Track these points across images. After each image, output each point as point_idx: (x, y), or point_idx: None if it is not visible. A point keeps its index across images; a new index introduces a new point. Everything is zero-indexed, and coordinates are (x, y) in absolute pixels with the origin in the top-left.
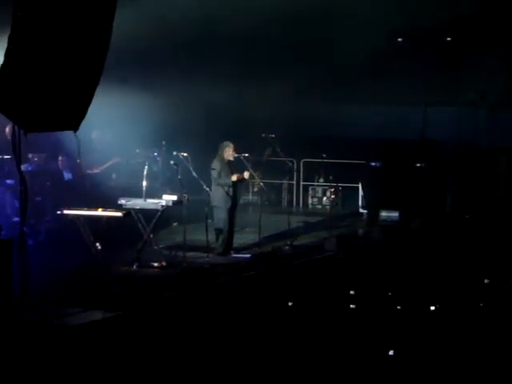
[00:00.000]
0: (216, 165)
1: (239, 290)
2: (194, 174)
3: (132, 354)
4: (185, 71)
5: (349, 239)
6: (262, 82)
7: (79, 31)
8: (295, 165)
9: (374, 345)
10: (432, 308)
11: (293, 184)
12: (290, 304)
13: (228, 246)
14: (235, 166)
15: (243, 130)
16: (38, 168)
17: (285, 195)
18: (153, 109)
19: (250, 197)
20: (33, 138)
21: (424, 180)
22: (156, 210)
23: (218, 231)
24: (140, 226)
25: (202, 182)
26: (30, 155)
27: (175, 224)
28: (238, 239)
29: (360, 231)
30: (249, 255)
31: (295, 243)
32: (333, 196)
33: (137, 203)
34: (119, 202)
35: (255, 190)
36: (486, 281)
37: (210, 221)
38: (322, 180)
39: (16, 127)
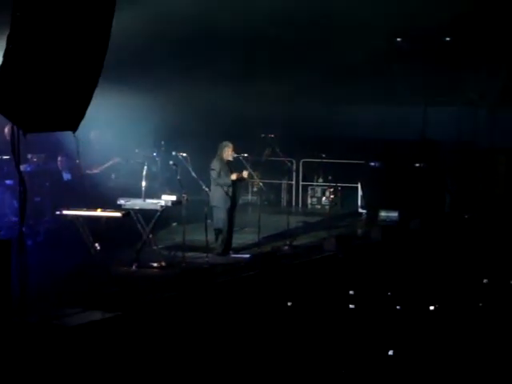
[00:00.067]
0: (215, 165)
1: (238, 290)
2: (193, 174)
3: (131, 354)
4: (184, 71)
5: (348, 239)
6: (261, 82)
7: (78, 31)
8: (294, 165)
9: (373, 345)
10: (431, 308)
11: (292, 184)
12: (289, 304)
13: (227, 246)
14: (234, 166)
15: (242, 130)
16: (37, 168)
17: (284, 195)
18: (152, 109)
19: (250, 197)
20: (32, 138)
21: (423, 180)
22: (155, 211)
23: (218, 231)
24: (139, 226)
25: (201, 182)
26: (29, 155)
27: (174, 224)
28: (238, 239)
29: (359, 231)
30: (248, 255)
31: (294, 243)
32: (332, 196)
33: (136, 203)
34: (118, 203)
35: (254, 190)
36: (484, 281)
37: (209, 221)
38: (321, 180)
39: (15, 127)
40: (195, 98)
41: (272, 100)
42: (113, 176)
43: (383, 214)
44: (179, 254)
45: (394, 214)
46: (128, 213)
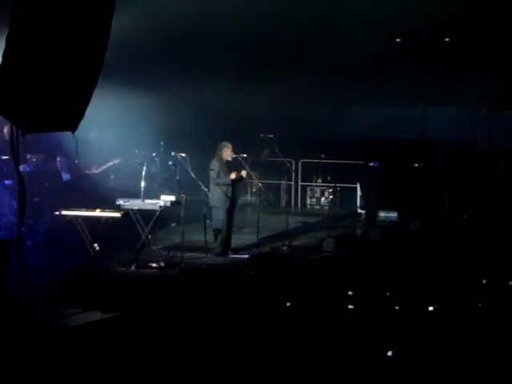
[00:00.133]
0: (214, 165)
1: (237, 290)
2: (193, 174)
3: (130, 354)
4: (184, 71)
5: (347, 239)
6: (260, 83)
7: (77, 31)
8: (293, 165)
9: (372, 345)
10: (430, 308)
11: (291, 184)
12: (288, 304)
13: (226, 246)
14: (233, 167)
15: (241, 130)
16: (36, 169)
17: (283, 196)
18: (151, 109)
19: (249, 197)
20: (31, 138)
21: (422, 180)
22: (154, 211)
23: (217, 231)
24: (138, 226)
25: (200, 182)
26: (29, 156)
27: (173, 224)
28: (237, 240)
29: (358, 231)
30: (247, 255)
31: (293, 243)
32: (331, 196)
33: (135, 204)
34: (117, 203)
35: (253, 190)
36: (484, 281)
37: (208, 221)
38: (320, 180)
39: (14, 128)
40: (194, 99)
41: (271, 100)
42: (112, 176)
43: (382, 214)
44: (178, 254)
45: (393, 215)
46: (127, 213)
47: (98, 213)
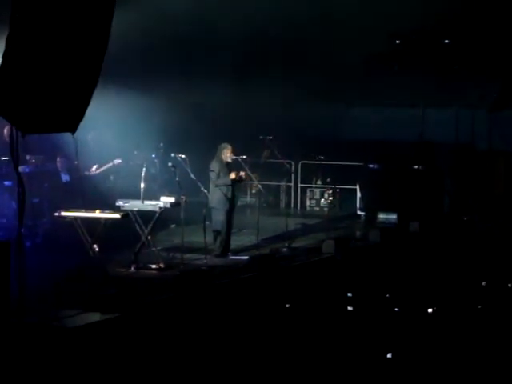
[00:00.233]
0: (214, 166)
1: (237, 291)
2: (192, 175)
3: (130, 355)
4: (183, 72)
5: (346, 241)
6: (260, 84)
7: (77, 33)
8: (293, 167)
9: (371, 347)
10: (430, 310)
11: (291, 186)
12: (287, 306)
13: (226, 247)
14: (233, 168)
15: (241, 131)
16: (35, 170)
17: (283, 197)
18: (151, 110)
19: (248, 199)
20: (30, 139)
21: (422, 182)
22: (154, 212)
23: (216, 233)
24: (138, 227)
25: (199, 183)
26: (28, 157)
27: (173, 226)
28: (236, 241)
29: (358, 233)
30: (247, 257)
31: (293, 245)
32: (330, 198)
33: (135, 205)
34: (117, 204)
35: (253, 191)
36: (483, 283)
37: (207, 222)
38: (319, 182)
39: (14, 129)
40: (194, 100)
41: (271, 101)
42: (111, 177)
43: (382, 216)
44: (178, 255)
45: (393, 216)
46: (127, 214)
47: (97, 214)
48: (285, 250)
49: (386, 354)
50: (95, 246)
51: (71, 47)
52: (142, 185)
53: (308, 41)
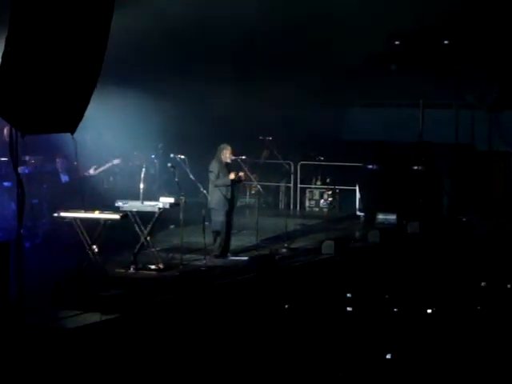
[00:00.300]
0: (214, 167)
1: (236, 292)
2: (192, 176)
3: (129, 356)
4: (183, 73)
5: (346, 242)
6: (260, 85)
7: (77, 33)
8: (292, 167)
9: (371, 348)
10: (429, 311)
11: (290, 186)
12: (286, 306)
13: (225, 248)
14: (233, 169)
15: (241, 132)
16: (34, 170)
17: (282, 198)
18: (150, 111)
19: (248, 199)
20: (29, 139)
21: (421, 183)
22: (153, 213)
23: (216, 233)
24: (137, 228)
25: (199, 184)
26: (27, 157)
27: (172, 226)
28: (236, 242)
29: (357, 234)
30: (246, 258)
31: (292, 246)
32: (330, 198)
33: (134, 205)
34: (116, 205)
35: (252, 192)
36: (482, 284)
37: (207, 223)
38: (319, 182)
39: (13, 129)
40: (194, 100)
41: (270, 102)
42: (111, 178)
43: (381, 216)
44: (177, 256)
45: (392, 217)
46: (126, 215)
47: (96, 214)
48: (284, 250)
49: (386, 355)
50: (94, 246)
51: (70, 47)
52: (142, 185)
53: (307, 41)
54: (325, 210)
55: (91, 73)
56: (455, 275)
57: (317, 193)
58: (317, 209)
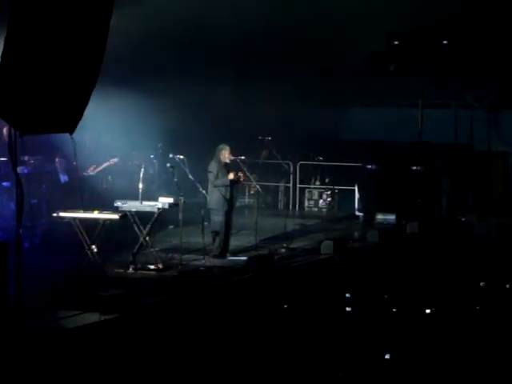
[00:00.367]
0: (213, 167)
1: (235, 292)
2: (191, 176)
3: (128, 356)
4: (182, 73)
5: (345, 242)
6: (259, 85)
7: (76, 33)
8: (291, 167)
9: (370, 348)
10: (428, 311)
11: (289, 186)
12: (285, 306)
13: (224, 248)
14: (232, 169)
15: (240, 132)
16: (33, 170)
17: (281, 198)
18: (149, 111)
19: (247, 199)
20: (28, 139)
21: (420, 182)
22: (152, 213)
23: (215, 234)
24: (136, 228)
25: (198, 184)
26: (26, 157)
27: (171, 227)
28: (235, 242)
29: (356, 234)
30: (245, 258)
31: (291, 246)
32: (329, 199)
33: (133, 205)
34: (115, 205)
35: (252, 192)
36: (481, 284)
37: (206, 223)
38: (318, 183)
39: (12, 129)
40: (193, 101)
41: (269, 102)
42: (110, 178)
43: (380, 216)
44: (176, 256)
45: (391, 217)
46: (125, 215)
47: (95, 214)
48: (283, 250)
49: (384, 355)
50: (94, 246)
51: (69, 47)
52: (141, 185)
53: (307, 41)
54: (324, 210)
55: (90, 73)
56: (454, 275)
57: (316, 193)
58: (316, 209)
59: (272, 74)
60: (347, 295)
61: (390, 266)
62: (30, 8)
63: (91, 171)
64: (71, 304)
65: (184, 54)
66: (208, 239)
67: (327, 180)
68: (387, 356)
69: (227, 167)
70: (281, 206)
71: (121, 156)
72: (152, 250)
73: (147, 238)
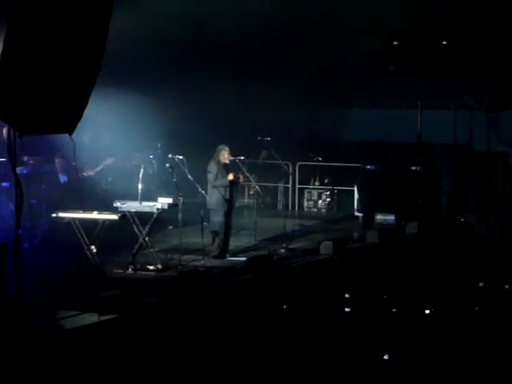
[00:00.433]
0: (212, 168)
1: (235, 292)
2: (190, 176)
3: (127, 357)
4: (182, 74)
5: (344, 242)
6: (259, 85)
7: (75, 34)
8: (291, 168)
9: (369, 348)
10: (427, 311)
11: (288, 187)
12: (285, 307)
13: (224, 248)
14: (231, 169)
15: (239, 132)
16: (33, 171)
17: (280, 198)
18: (149, 111)
19: (246, 200)
20: (28, 140)
21: (420, 183)
22: (151, 213)
23: (214, 234)
24: (135, 228)
25: (197, 184)
26: (25, 158)
27: (171, 227)
28: (234, 242)
29: (355, 234)
30: (244, 258)
31: (291, 246)
32: (328, 199)
33: (132, 206)
34: (115, 205)
35: (251, 193)
36: (480, 284)
37: (205, 224)
38: (317, 183)
39: (11, 130)
40: (192, 101)
41: (268, 103)
42: (109, 178)
43: (379, 217)
44: (175, 256)
45: (391, 217)
46: (124, 215)
47: (95, 215)
48: (282, 251)
49: (383, 355)
50: (93, 247)
51: (69, 48)
52: (140, 186)
53: (307, 41)
54: (323, 210)
55: (90, 73)
56: (453, 276)
57: (315, 193)
58: (315, 209)
59: (272, 74)
60: (346, 295)
61: (390, 267)
62: (30, 8)
63: (90, 172)
64: (70, 304)
65: (184, 54)
66: (207, 239)
67: (326, 180)
68: (386, 356)
69: (226, 167)
70: (280, 206)
71: (120, 156)
72: (151, 250)
73: (146, 239)
